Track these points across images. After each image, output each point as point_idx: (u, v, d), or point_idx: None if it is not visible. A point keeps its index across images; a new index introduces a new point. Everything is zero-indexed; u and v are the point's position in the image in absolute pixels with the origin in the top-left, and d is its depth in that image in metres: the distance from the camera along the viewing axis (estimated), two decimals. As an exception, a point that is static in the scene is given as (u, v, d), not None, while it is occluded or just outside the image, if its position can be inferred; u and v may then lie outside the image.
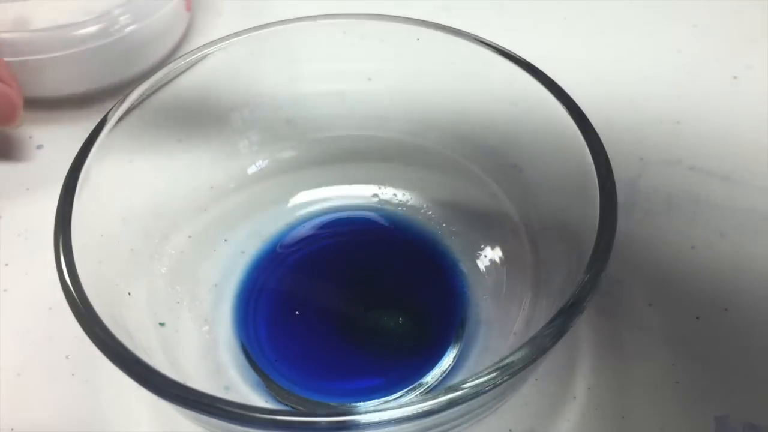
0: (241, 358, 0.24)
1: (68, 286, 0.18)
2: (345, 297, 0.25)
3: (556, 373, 0.24)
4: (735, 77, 0.35)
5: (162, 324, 0.22)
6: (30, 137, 0.33)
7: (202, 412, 0.16)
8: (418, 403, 0.15)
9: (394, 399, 0.21)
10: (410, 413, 0.15)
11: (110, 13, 0.32)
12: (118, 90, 0.34)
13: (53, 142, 0.33)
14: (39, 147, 0.33)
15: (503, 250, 0.25)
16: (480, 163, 0.26)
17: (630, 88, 0.34)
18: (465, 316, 0.24)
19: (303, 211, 0.28)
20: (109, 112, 0.22)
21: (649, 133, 0.29)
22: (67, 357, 0.26)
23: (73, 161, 0.21)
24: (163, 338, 0.22)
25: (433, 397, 0.15)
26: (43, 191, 0.31)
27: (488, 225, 0.26)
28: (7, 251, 0.29)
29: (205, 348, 0.23)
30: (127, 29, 0.33)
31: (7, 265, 0.29)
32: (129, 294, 0.21)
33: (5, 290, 0.28)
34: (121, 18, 0.33)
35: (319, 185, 0.28)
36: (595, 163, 0.19)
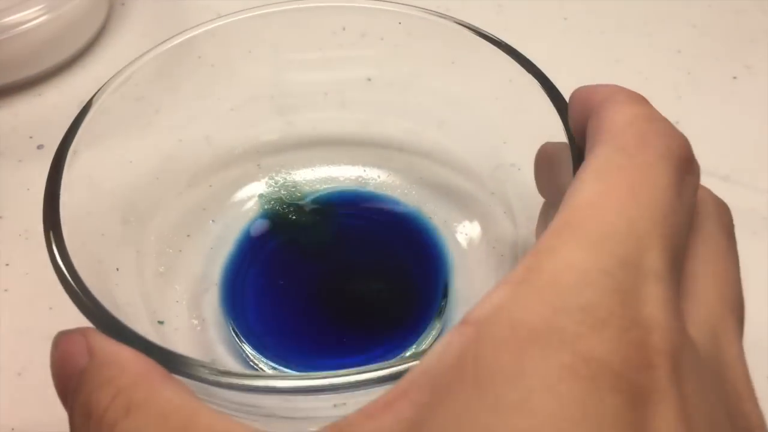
0: (233, 342, 0.24)
1: (61, 268, 0.18)
2: (327, 275, 0.26)
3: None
4: (735, 77, 0.35)
5: (161, 322, 0.22)
6: (30, 137, 0.33)
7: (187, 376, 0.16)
8: (377, 369, 0.15)
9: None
10: (368, 378, 0.15)
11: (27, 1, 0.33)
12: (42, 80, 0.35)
13: (53, 142, 0.33)
14: (39, 147, 0.33)
15: (483, 227, 0.26)
16: (474, 157, 0.26)
17: (630, 88, 0.34)
18: (447, 291, 0.25)
19: (283, 192, 0.28)
20: (94, 96, 0.22)
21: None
22: (67, 357, 0.26)
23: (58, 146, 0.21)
24: (161, 336, 0.22)
25: (390, 365, 0.15)
26: (43, 191, 0.31)
27: (470, 205, 0.27)
28: (8, 251, 0.29)
29: (200, 342, 0.24)
30: (44, 17, 0.33)
31: (7, 265, 0.29)
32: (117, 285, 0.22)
33: (5, 290, 0.28)
34: (39, 6, 0.33)
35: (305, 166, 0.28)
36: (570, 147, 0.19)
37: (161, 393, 0.14)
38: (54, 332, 0.26)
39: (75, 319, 0.27)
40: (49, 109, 0.35)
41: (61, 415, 0.25)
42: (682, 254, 0.15)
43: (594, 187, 0.14)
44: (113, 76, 0.23)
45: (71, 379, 0.15)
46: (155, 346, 0.16)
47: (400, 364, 0.15)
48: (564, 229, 0.14)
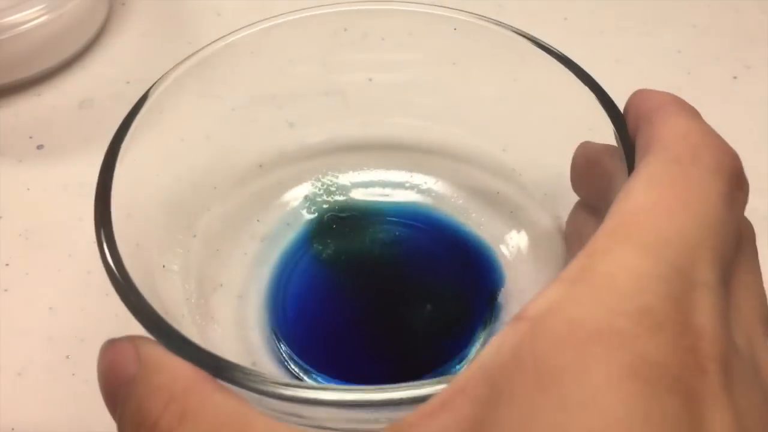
0: (273, 345, 0.24)
1: (108, 262, 0.18)
2: (371, 284, 0.25)
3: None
4: (735, 77, 0.35)
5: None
6: (30, 137, 0.33)
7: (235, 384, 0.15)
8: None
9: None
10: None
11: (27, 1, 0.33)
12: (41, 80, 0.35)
13: (53, 142, 0.33)
14: (39, 147, 0.33)
15: (531, 237, 0.25)
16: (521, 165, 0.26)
17: (630, 88, 0.34)
18: (493, 302, 0.24)
19: (333, 197, 0.28)
20: (150, 89, 0.23)
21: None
22: (67, 357, 0.26)
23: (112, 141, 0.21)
24: (204, 338, 0.22)
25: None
26: (43, 191, 0.31)
27: (517, 215, 0.26)
28: (8, 251, 0.29)
29: (240, 344, 0.24)
30: (44, 17, 0.33)
31: (7, 265, 0.29)
32: (163, 266, 0.22)
33: (5, 290, 0.28)
34: (39, 6, 0.33)
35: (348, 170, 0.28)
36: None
37: (214, 400, 0.14)
38: (54, 332, 0.27)
39: (75, 319, 0.27)
40: (49, 109, 0.35)
41: (61, 415, 0.25)
42: (729, 266, 0.15)
43: (647, 194, 0.15)
44: (165, 74, 0.23)
45: (120, 387, 0.15)
46: (208, 354, 0.16)
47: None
48: (618, 231, 0.14)
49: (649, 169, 0.16)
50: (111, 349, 0.16)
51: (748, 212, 0.18)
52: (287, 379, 0.15)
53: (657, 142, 0.16)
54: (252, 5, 0.39)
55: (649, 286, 0.13)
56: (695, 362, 0.12)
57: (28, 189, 0.31)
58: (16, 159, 0.32)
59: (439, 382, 0.15)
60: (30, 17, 0.33)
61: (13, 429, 0.24)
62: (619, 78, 0.35)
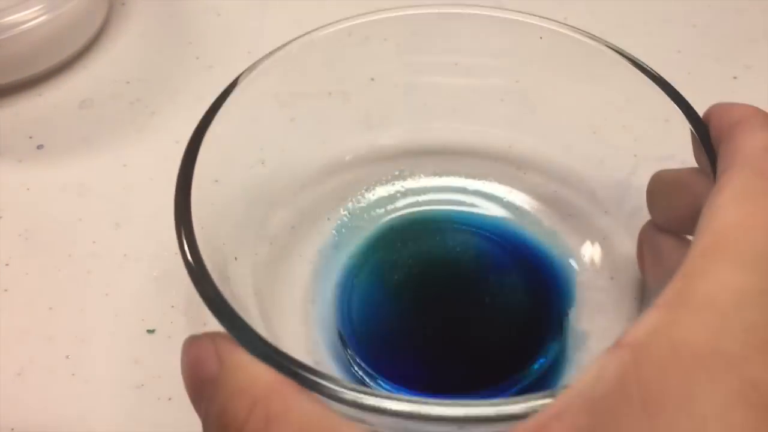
0: (338, 348, 0.24)
1: (188, 257, 0.18)
2: (440, 295, 0.25)
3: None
4: (735, 77, 0.35)
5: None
6: (30, 137, 0.33)
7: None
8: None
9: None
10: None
11: (27, 1, 0.33)
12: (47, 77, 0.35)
13: (53, 142, 0.33)
14: (39, 147, 0.33)
15: (604, 252, 0.25)
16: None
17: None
18: (562, 321, 0.24)
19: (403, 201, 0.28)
20: (239, 76, 0.22)
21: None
22: (67, 357, 0.26)
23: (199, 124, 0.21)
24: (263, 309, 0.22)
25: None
26: (43, 191, 0.31)
27: (589, 227, 0.26)
28: (7, 251, 0.29)
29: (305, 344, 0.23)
30: (44, 17, 0.33)
31: (7, 265, 0.29)
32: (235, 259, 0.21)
33: (5, 290, 0.28)
34: (39, 6, 0.33)
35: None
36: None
37: (299, 404, 0.14)
38: (54, 332, 0.27)
39: (75, 319, 0.27)
40: (49, 109, 0.35)
41: (61, 415, 0.25)
42: None
43: (737, 210, 0.15)
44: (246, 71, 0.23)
45: (205, 385, 0.15)
46: (289, 358, 0.16)
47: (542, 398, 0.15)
48: (712, 249, 0.14)
49: (733, 184, 0.15)
50: (193, 346, 0.16)
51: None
52: (360, 387, 0.15)
53: (739, 156, 0.16)
54: (252, 5, 0.39)
55: (752, 301, 0.13)
56: None
57: (28, 189, 0.31)
58: (16, 159, 0.32)
59: (514, 402, 0.15)
60: (30, 17, 0.33)
61: (13, 429, 0.24)
62: (619, 78, 0.35)
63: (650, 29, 0.38)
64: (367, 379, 0.23)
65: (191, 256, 0.18)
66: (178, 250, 0.23)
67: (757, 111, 0.18)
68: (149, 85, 0.35)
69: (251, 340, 0.16)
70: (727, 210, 0.15)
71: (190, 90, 0.35)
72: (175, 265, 0.25)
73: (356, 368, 0.23)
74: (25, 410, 0.25)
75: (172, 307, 0.27)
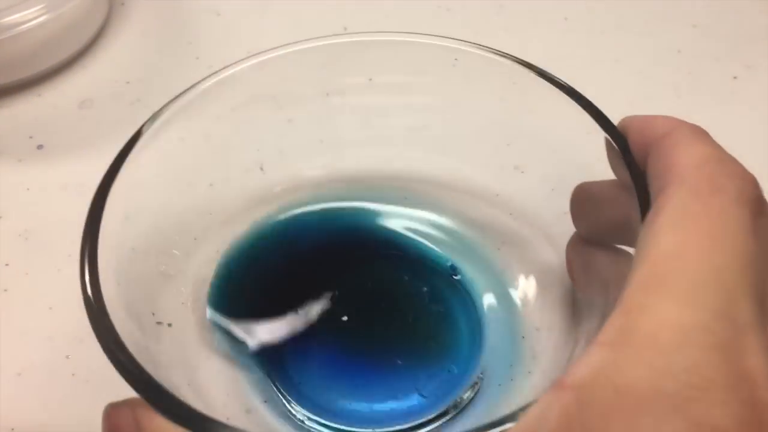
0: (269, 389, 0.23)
1: (91, 301, 0.18)
2: (359, 311, 0.25)
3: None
4: (735, 77, 0.35)
5: (170, 325, 0.22)
6: (30, 137, 0.33)
7: None
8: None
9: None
10: None
11: (27, 1, 0.33)
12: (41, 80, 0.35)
13: (53, 142, 0.33)
14: (39, 147, 0.33)
15: (538, 279, 0.25)
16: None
17: (630, 88, 0.34)
18: (482, 343, 0.24)
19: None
20: (143, 126, 0.23)
21: (597, 147, 0.29)
22: (67, 357, 0.26)
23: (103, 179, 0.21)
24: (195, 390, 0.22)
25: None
26: (43, 191, 0.31)
27: (515, 245, 0.26)
28: (7, 251, 0.29)
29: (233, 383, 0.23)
30: (44, 17, 0.33)
31: (7, 265, 0.29)
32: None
33: (5, 290, 0.28)
34: (39, 6, 0.33)
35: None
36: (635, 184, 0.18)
37: None
38: (54, 332, 0.26)
39: (75, 319, 0.27)
40: (49, 109, 0.35)
41: (61, 415, 0.25)
42: (765, 298, 0.14)
43: (673, 237, 0.14)
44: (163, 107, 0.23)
45: None
46: (209, 420, 0.16)
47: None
48: (651, 283, 0.14)
49: (670, 206, 0.15)
50: (113, 414, 0.16)
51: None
52: None
53: (672, 174, 0.16)
54: (252, 5, 0.39)
55: (692, 339, 0.12)
56: (753, 415, 0.12)
57: (28, 189, 0.31)
58: (16, 159, 0.32)
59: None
60: (30, 17, 0.33)
61: (13, 429, 0.24)
62: (619, 78, 0.35)
63: (650, 29, 0.38)
64: (306, 422, 0.22)
65: (105, 332, 0.18)
66: (178, 250, 0.23)
67: (682, 123, 0.18)
68: (149, 85, 0.35)
69: (166, 405, 0.16)
70: (664, 237, 0.14)
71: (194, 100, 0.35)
72: (173, 269, 0.25)
73: (293, 411, 0.22)
74: (25, 410, 0.25)
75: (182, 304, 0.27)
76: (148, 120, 0.22)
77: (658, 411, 0.12)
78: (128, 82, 0.35)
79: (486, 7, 0.39)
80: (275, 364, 0.23)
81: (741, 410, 0.12)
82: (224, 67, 0.24)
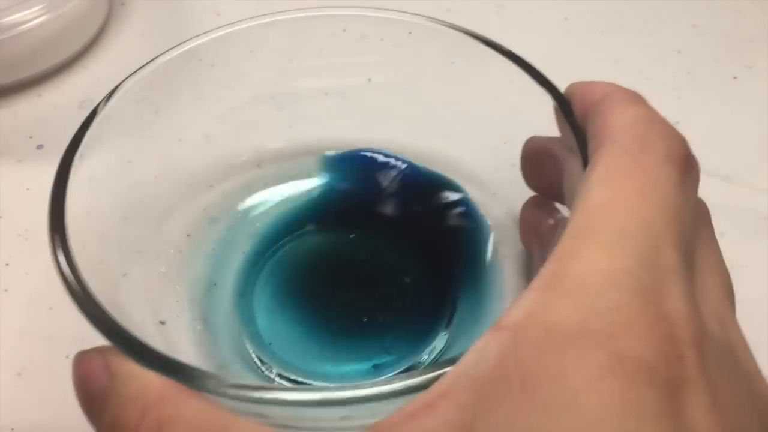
0: (243, 351, 0.24)
1: (63, 268, 0.18)
2: (337, 279, 0.26)
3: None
4: (735, 77, 0.35)
5: (162, 322, 0.22)
6: (30, 137, 0.33)
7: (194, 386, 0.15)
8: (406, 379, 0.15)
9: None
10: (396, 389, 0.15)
11: (27, 1, 0.33)
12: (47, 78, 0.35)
13: (53, 142, 0.33)
14: (39, 147, 0.33)
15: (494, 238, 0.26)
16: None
17: (630, 88, 0.34)
18: (455, 302, 0.24)
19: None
20: (99, 104, 0.22)
21: (548, 112, 0.29)
22: (67, 357, 0.26)
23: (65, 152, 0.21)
24: (164, 336, 0.22)
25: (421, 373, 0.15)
26: (43, 191, 0.31)
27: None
28: (7, 251, 0.29)
29: (204, 345, 0.23)
30: (44, 17, 0.33)
31: (7, 265, 0.29)
32: (125, 278, 0.21)
33: (5, 290, 0.28)
34: (39, 6, 0.33)
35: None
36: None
37: (190, 406, 0.15)
38: (54, 332, 0.26)
39: (75, 319, 0.27)
40: (49, 109, 0.35)
41: (60, 415, 0.25)
42: (691, 250, 0.15)
43: (605, 191, 0.15)
44: (121, 83, 0.23)
45: (95, 399, 0.16)
46: (166, 359, 0.16)
47: (418, 376, 0.15)
48: (582, 233, 0.15)
49: (602, 163, 0.16)
50: (82, 362, 0.16)
51: (748, 212, 0.18)
52: (248, 381, 0.15)
53: (606, 134, 0.17)
54: (251, 5, 0.39)
55: (617, 282, 0.13)
56: (671, 350, 0.13)
57: (28, 189, 0.31)
58: (16, 159, 0.32)
59: (394, 381, 0.15)
60: (30, 17, 0.33)
61: (13, 429, 0.24)
62: (619, 78, 0.35)
63: (650, 29, 0.38)
64: (277, 379, 0.23)
65: (70, 272, 0.18)
66: (170, 250, 0.23)
67: (619, 88, 0.19)
68: (151, 87, 0.35)
69: (135, 348, 0.16)
70: (596, 190, 0.15)
71: (191, 90, 0.35)
72: (179, 261, 0.25)
73: (263, 369, 0.23)
74: (25, 410, 0.25)
75: (177, 302, 0.27)
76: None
77: (584, 346, 0.13)
78: (128, 82, 0.35)
79: (486, 7, 0.39)
80: (247, 327, 0.24)
81: (660, 344, 0.13)
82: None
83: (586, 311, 0.13)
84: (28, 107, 0.35)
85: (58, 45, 0.35)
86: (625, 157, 0.16)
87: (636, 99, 0.18)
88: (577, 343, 0.13)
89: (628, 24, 0.38)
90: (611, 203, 0.15)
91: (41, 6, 0.33)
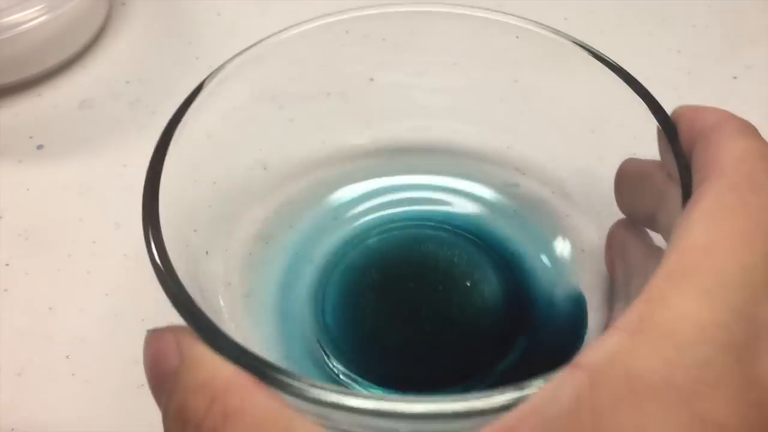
0: (310, 342, 0.24)
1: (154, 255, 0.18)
2: (412, 298, 0.25)
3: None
4: (735, 77, 0.35)
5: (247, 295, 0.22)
6: (30, 137, 0.33)
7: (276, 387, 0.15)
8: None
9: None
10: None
11: (27, 1, 0.33)
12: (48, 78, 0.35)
13: (53, 142, 0.33)
14: (39, 147, 0.33)
15: (575, 248, 0.25)
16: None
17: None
18: (528, 327, 0.24)
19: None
20: (205, 80, 0.22)
21: (649, 133, 0.29)
22: (67, 357, 0.26)
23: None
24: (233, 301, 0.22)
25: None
26: (43, 191, 0.31)
27: (560, 223, 0.26)
28: (7, 251, 0.29)
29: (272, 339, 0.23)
30: (44, 17, 0.33)
31: (7, 265, 0.29)
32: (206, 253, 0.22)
33: (5, 290, 0.28)
34: (39, 6, 0.33)
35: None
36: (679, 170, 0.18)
37: (256, 400, 0.14)
38: (54, 332, 0.26)
39: (75, 319, 0.27)
40: (49, 109, 0.35)
41: (61, 415, 0.25)
42: None
43: (706, 230, 0.14)
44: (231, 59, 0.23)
45: (165, 378, 0.15)
46: (239, 349, 0.16)
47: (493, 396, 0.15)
48: (676, 275, 0.14)
49: (707, 199, 0.15)
50: (155, 339, 0.16)
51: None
52: (322, 383, 0.15)
53: (714, 167, 0.16)
54: (252, 5, 0.39)
55: (709, 335, 0.13)
56: (759, 419, 0.12)
57: (28, 189, 0.31)
58: (16, 159, 0.32)
59: (467, 399, 0.15)
60: (30, 17, 0.33)
61: (13, 429, 0.24)
62: (619, 78, 0.35)
63: (650, 29, 0.38)
64: (343, 378, 0.23)
65: (157, 252, 0.18)
66: (221, 246, 0.23)
67: (731, 116, 0.18)
68: (149, 85, 0.35)
69: (210, 333, 0.16)
70: (697, 229, 0.14)
71: (191, 90, 0.35)
72: (220, 258, 0.25)
73: (331, 367, 0.23)
74: (25, 410, 0.25)
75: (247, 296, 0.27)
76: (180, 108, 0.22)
77: (665, 401, 0.12)
78: (128, 82, 0.35)
79: (485, 7, 0.39)
80: (320, 323, 0.24)
81: (747, 411, 0.12)
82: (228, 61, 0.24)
83: (671, 363, 0.12)
84: (28, 107, 0.35)
85: (58, 45, 0.35)
86: (731, 196, 0.15)
87: (748, 131, 0.17)
88: (659, 397, 0.12)
89: (628, 24, 0.38)
90: (711, 245, 0.14)
91: (41, 6, 0.33)
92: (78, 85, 0.36)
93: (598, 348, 0.13)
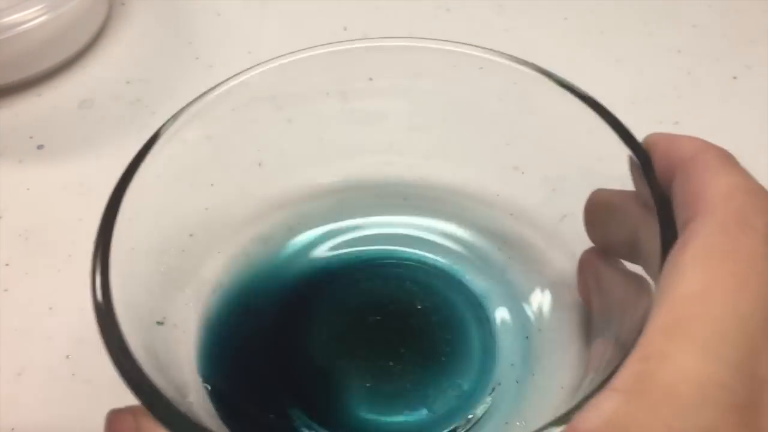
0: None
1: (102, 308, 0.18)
2: (367, 326, 0.24)
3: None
4: (735, 77, 0.35)
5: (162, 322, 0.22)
6: (30, 137, 0.33)
7: None
8: None
9: None
10: None
11: (27, 1, 0.33)
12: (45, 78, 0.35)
13: (53, 142, 0.33)
14: (39, 147, 0.33)
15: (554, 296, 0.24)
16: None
17: (630, 88, 0.34)
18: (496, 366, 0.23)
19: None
20: (159, 129, 0.22)
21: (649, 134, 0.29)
22: (67, 357, 0.26)
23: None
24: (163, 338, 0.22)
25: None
26: (43, 191, 0.31)
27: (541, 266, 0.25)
28: (7, 251, 0.29)
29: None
30: (44, 17, 0.33)
31: (7, 265, 0.29)
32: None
33: (5, 290, 0.28)
34: (39, 6, 0.33)
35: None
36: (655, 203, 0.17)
37: None
38: (54, 332, 0.26)
39: (75, 319, 0.27)
40: (49, 109, 0.35)
41: (60, 415, 0.25)
42: None
43: (698, 276, 0.14)
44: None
45: None
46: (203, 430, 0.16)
47: None
48: (672, 328, 0.13)
49: (696, 241, 0.14)
50: (114, 419, 0.16)
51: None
52: None
53: (699, 204, 0.15)
54: (252, 5, 0.39)
55: (710, 397, 0.12)
56: None
57: (28, 189, 0.31)
58: (16, 159, 0.32)
59: None
60: (30, 17, 0.33)
61: (13, 429, 0.24)
62: (619, 78, 0.35)
63: (650, 29, 0.38)
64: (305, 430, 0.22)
65: (112, 337, 0.18)
66: (178, 250, 0.23)
67: (708, 146, 0.17)
68: (149, 85, 0.35)
69: (168, 417, 0.16)
70: (690, 275, 0.14)
71: (190, 90, 0.35)
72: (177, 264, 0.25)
73: (296, 421, 0.22)
74: (25, 410, 0.25)
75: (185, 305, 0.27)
76: (164, 124, 0.22)
77: None
78: (128, 82, 0.35)
79: (486, 7, 0.39)
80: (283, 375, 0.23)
81: None
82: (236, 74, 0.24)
83: (673, 428, 0.12)
84: (28, 107, 0.35)
85: (58, 45, 0.35)
86: (722, 238, 0.14)
87: (729, 162, 0.17)
88: None
89: (628, 24, 0.38)
90: (705, 293, 0.13)
91: (41, 6, 0.33)
92: (78, 85, 0.36)
93: (596, 412, 0.13)
